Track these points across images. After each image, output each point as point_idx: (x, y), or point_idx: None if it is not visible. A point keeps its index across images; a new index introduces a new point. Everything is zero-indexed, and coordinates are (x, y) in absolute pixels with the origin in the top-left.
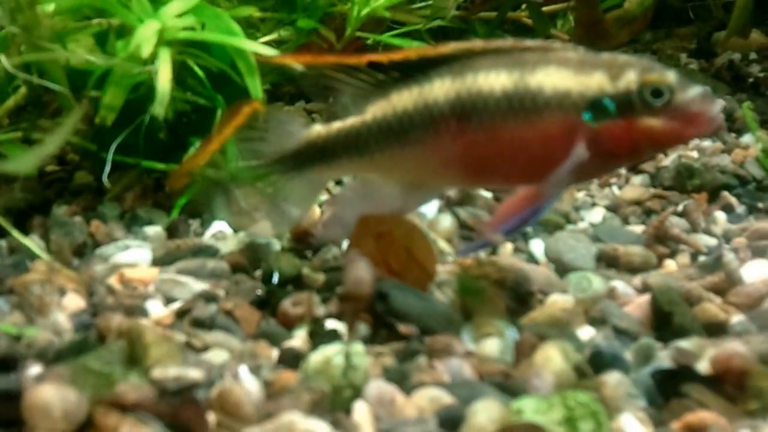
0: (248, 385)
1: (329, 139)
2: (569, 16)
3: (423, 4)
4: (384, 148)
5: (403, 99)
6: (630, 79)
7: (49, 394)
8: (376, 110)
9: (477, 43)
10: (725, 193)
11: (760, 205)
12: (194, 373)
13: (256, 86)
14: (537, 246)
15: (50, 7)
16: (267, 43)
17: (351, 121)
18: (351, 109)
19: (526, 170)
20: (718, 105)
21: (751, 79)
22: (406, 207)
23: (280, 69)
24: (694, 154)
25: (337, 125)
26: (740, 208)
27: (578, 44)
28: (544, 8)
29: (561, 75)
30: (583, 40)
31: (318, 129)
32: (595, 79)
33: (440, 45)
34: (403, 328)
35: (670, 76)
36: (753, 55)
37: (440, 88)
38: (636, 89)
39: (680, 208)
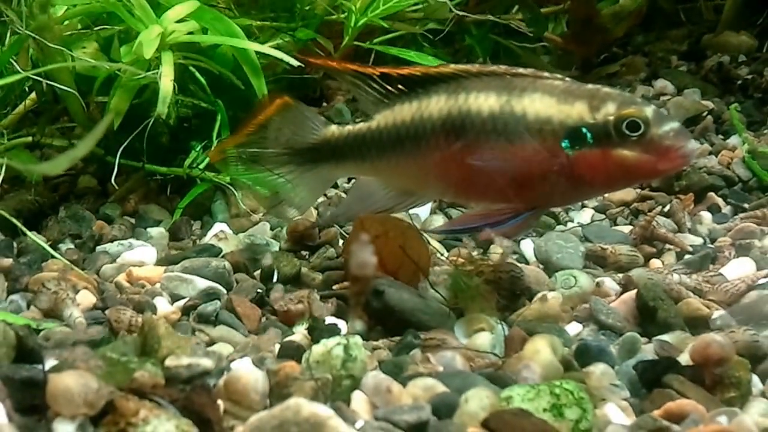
0: (253, 375)
1: (340, 140)
2: (561, 19)
3: (417, 7)
4: (383, 155)
5: (404, 111)
6: (609, 111)
7: (71, 381)
8: (380, 119)
9: (474, 66)
10: (712, 194)
11: (746, 205)
12: (205, 362)
13: (261, 86)
14: (527, 246)
15: (59, 13)
16: None
17: (359, 127)
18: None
19: (505, 190)
20: (693, 141)
21: (739, 82)
22: (398, 209)
23: (279, 75)
24: None
25: (348, 128)
26: (726, 209)
27: (573, 40)
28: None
29: (544, 102)
30: (578, 36)
31: (333, 129)
32: (576, 108)
33: (442, 65)
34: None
35: (648, 110)
36: (742, 58)
37: (435, 105)
38: (613, 121)
39: (667, 208)
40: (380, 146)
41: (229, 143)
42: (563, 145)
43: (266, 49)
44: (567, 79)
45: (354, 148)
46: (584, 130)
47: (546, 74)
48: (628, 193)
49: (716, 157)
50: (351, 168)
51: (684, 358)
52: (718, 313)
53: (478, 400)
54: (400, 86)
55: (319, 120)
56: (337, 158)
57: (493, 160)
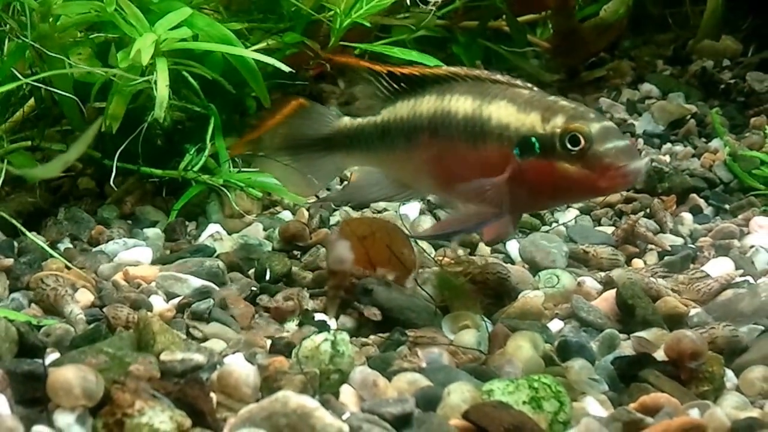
0: (245, 370)
1: (350, 132)
2: (549, 25)
3: (407, 14)
4: (384, 148)
5: (402, 109)
6: (557, 123)
7: (71, 374)
8: (384, 114)
9: (463, 69)
10: (694, 196)
11: (727, 206)
12: (198, 357)
13: (262, 89)
14: (512, 246)
15: (58, 21)
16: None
17: (366, 120)
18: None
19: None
20: (640, 161)
21: (722, 86)
22: (395, 199)
23: (270, 77)
24: (666, 158)
25: (358, 121)
26: (708, 210)
27: (556, 52)
28: (523, 17)
29: (507, 110)
30: (560, 48)
31: (345, 121)
32: (530, 118)
33: (437, 67)
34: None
35: (594, 126)
36: (726, 62)
37: (425, 105)
38: (559, 134)
39: (649, 209)
40: (382, 139)
41: (249, 137)
42: (515, 152)
43: (257, 54)
44: (535, 89)
45: (361, 140)
46: (533, 140)
47: (518, 83)
48: (612, 195)
49: (698, 159)
50: (358, 158)
51: (660, 354)
52: (695, 310)
53: (459, 394)
54: (403, 84)
55: (332, 114)
56: (346, 148)
57: (460, 161)
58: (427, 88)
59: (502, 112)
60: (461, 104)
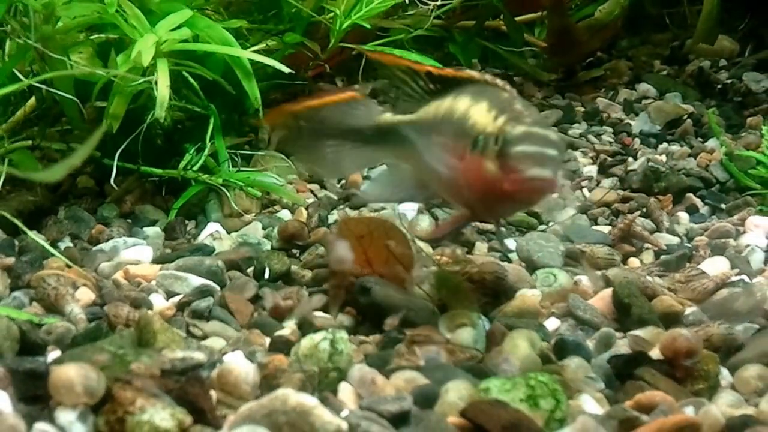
0: (245, 368)
1: (385, 127)
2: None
3: (405, 14)
4: (411, 145)
5: (429, 109)
6: (498, 123)
7: (72, 372)
8: (418, 113)
9: (472, 72)
10: (690, 195)
11: (723, 206)
12: (198, 355)
13: (253, 90)
14: (510, 245)
15: (59, 22)
16: (256, 53)
17: (400, 117)
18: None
19: (457, 188)
20: (546, 171)
21: (719, 86)
22: (417, 199)
23: (269, 77)
24: (662, 158)
25: (397, 117)
26: (704, 209)
27: (551, 51)
28: (521, 17)
29: (480, 108)
30: (555, 48)
31: (385, 116)
32: (487, 117)
33: (459, 69)
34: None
35: (517, 129)
36: (723, 62)
37: (440, 106)
38: (493, 133)
39: (645, 209)
40: (411, 137)
41: (289, 109)
42: (471, 149)
43: (257, 56)
44: (513, 92)
45: (393, 136)
46: (480, 137)
47: (503, 84)
48: (609, 194)
49: (695, 159)
50: (390, 152)
51: (656, 352)
52: (690, 309)
53: (457, 391)
54: (438, 85)
55: (377, 109)
56: (383, 142)
57: (450, 160)
58: (448, 90)
59: (476, 110)
60: (460, 104)
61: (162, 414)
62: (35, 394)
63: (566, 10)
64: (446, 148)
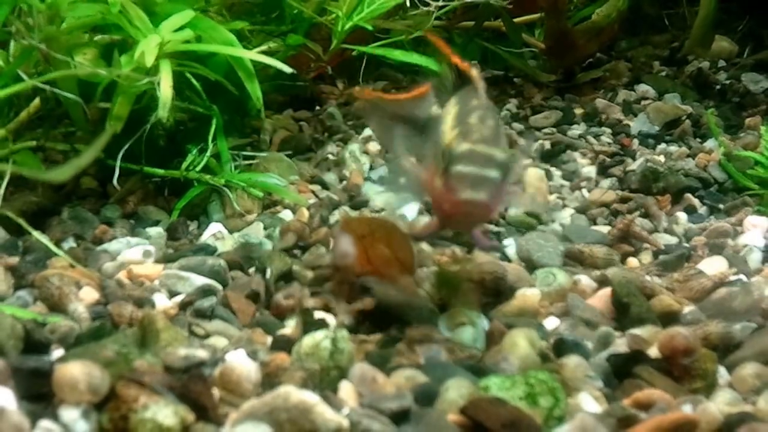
0: (247, 366)
1: (428, 121)
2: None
3: (406, 15)
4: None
5: (443, 108)
6: (449, 138)
7: (76, 370)
8: (436, 110)
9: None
10: (688, 195)
11: (721, 206)
12: (201, 353)
13: (255, 90)
14: (509, 245)
15: (63, 23)
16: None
17: (431, 113)
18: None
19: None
20: (476, 194)
21: (717, 87)
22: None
23: (271, 78)
24: (661, 158)
25: (438, 111)
26: (702, 209)
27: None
28: (520, 18)
29: (450, 117)
30: (552, 50)
31: (434, 109)
32: (449, 128)
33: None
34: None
35: (460, 147)
36: (722, 63)
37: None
38: (446, 149)
39: (644, 209)
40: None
41: (376, 96)
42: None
43: (260, 57)
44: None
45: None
46: (441, 150)
47: (479, 86)
48: (608, 194)
49: (693, 159)
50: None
51: (654, 351)
52: (688, 308)
53: (457, 389)
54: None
55: (432, 103)
56: (427, 133)
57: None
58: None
59: (447, 119)
60: (448, 108)
61: (165, 411)
62: (39, 392)
63: (563, 14)
64: (432, 152)
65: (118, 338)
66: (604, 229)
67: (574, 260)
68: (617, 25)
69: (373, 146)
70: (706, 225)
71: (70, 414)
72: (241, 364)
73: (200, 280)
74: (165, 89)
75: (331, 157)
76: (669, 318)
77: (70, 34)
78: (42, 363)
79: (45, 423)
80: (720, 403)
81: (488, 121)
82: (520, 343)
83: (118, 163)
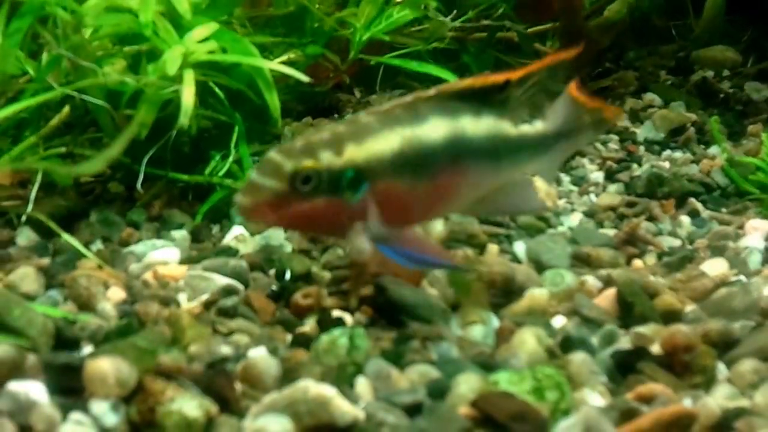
0: (267, 362)
1: None
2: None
3: (420, 27)
4: None
5: None
6: None
7: (106, 365)
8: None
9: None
10: (692, 200)
11: (723, 210)
12: (224, 349)
13: (273, 100)
14: (519, 247)
15: (91, 33)
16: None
17: None
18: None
19: None
20: (241, 198)
21: (721, 95)
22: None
23: (291, 87)
24: (666, 164)
25: None
26: (705, 213)
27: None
28: (534, 28)
29: None
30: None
31: None
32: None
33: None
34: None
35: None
36: (726, 72)
37: None
38: None
39: (649, 212)
40: None
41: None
42: None
43: (280, 66)
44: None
45: None
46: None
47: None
48: (614, 198)
49: (697, 165)
50: None
51: (657, 348)
52: (690, 307)
53: (467, 384)
54: None
55: None
56: None
57: None
58: None
59: None
60: None
61: (190, 404)
62: (70, 386)
63: (579, 14)
64: None
65: (145, 335)
66: (611, 232)
67: (581, 262)
68: (627, 19)
69: None
70: (709, 228)
71: (99, 407)
72: (263, 360)
73: (223, 281)
74: (187, 98)
75: None
76: (671, 316)
77: (97, 43)
78: (72, 359)
79: (76, 415)
80: (719, 398)
81: (329, 130)
82: (529, 340)
83: (143, 168)
